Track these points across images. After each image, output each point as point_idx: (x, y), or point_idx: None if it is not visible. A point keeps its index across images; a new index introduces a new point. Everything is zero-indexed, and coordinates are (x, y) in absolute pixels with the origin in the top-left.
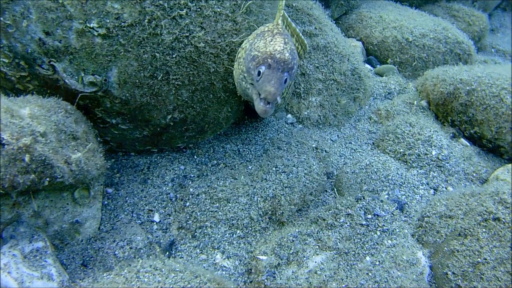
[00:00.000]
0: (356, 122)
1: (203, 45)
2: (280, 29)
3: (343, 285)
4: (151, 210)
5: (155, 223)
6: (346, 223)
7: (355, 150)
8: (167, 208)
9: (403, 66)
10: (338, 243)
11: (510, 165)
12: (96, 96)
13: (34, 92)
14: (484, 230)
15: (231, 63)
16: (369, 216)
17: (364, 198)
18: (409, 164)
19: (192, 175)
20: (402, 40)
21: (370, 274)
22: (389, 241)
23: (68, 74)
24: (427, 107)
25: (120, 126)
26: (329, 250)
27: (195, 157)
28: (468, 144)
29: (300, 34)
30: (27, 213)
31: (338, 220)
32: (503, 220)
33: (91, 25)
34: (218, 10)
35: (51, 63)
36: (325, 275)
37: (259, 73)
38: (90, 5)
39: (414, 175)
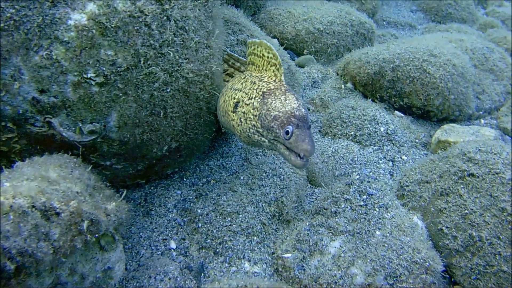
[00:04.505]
0: None
1: (191, 75)
2: (286, 86)
3: (368, 260)
4: (165, 239)
5: (172, 250)
6: (347, 207)
7: None
8: (179, 234)
9: (318, 55)
10: (348, 226)
11: (445, 126)
12: (94, 143)
13: (22, 151)
14: (462, 186)
15: (212, 87)
16: (365, 196)
17: (354, 182)
18: (363, 144)
19: (191, 197)
20: (314, 31)
21: (386, 245)
22: (388, 214)
23: (65, 127)
24: (353, 88)
25: (114, 167)
26: (342, 234)
27: (185, 179)
28: (402, 115)
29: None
30: (65, 273)
31: (339, 206)
32: (477, 174)
33: (88, 76)
34: (197, 39)
35: (47, 119)
36: (349, 256)
37: (287, 132)
38: (85, 56)
39: (371, 152)
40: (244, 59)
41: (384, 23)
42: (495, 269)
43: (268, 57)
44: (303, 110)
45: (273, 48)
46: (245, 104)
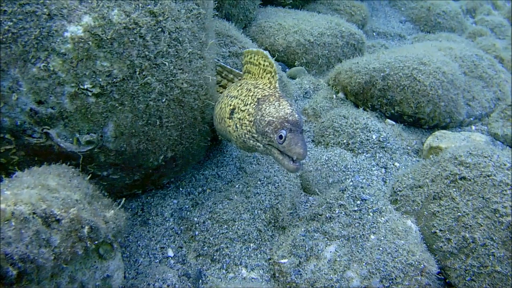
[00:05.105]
0: None
1: (186, 85)
2: (280, 92)
3: (363, 264)
4: (163, 247)
5: (170, 258)
6: (342, 212)
7: None
8: (176, 242)
9: (309, 66)
10: (342, 231)
11: (437, 132)
12: (91, 153)
13: (20, 162)
14: (455, 189)
15: (206, 97)
16: (358, 202)
17: (347, 188)
18: (356, 151)
19: (187, 206)
20: (305, 42)
21: (380, 248)
22: (382, 218)
23: (62, 138)
24: (345, 98)
25: (110, 177)
26: (337, 239)
27: (181, 189)
28: (394, 123)
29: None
30: (64, 281)
31: (334, 212)
32: (469, 177)
33: (85, 87)
34: (190, 50)
35: (45, 130)
36: (345, 260)
37: (281, 136)
38: (81, 67)
39: (364, 159)
40: (237, 70)
41: (374, 34)
42: (489, 269)
43: (264, 65)
44: (296, 115)
45: (269, 57)
46: (241, 110)
